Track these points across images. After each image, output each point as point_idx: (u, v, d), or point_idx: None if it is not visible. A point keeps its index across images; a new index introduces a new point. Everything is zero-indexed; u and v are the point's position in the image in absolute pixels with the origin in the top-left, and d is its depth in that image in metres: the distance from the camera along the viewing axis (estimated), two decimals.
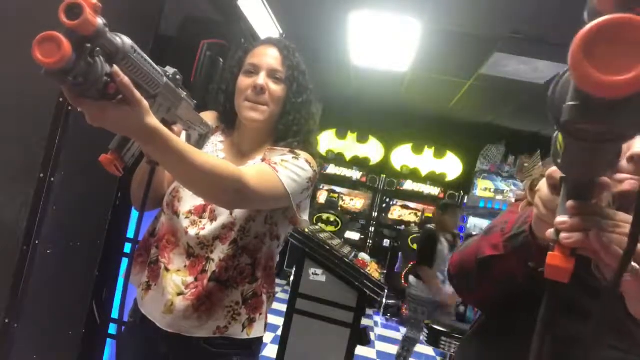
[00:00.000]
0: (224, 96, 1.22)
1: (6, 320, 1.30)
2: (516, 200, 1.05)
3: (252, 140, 1.22)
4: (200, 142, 1.13)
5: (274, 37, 1.30)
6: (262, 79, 1.14)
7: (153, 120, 0.75)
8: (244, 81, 1.16)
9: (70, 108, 1.34)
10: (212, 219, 1.13)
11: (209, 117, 1.25)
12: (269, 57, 1.17)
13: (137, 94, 0.71)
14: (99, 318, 1.73)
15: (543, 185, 0.63)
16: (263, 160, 1.15)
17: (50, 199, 1.33)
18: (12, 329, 1.30)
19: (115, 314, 1.88)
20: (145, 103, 0.73)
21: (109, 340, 1.87)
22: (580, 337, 0.78)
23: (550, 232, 0.54)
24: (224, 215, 1.13)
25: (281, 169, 1.08)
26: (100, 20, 0.63)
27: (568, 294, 0.71)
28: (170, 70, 0.85)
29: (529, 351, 0.78)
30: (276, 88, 1.15)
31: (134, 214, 1.80)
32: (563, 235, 0.52)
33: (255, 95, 1.14)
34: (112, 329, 1.89)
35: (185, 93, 0.91)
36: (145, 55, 0.73)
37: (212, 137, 1.23)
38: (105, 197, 1.60)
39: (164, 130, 0.78)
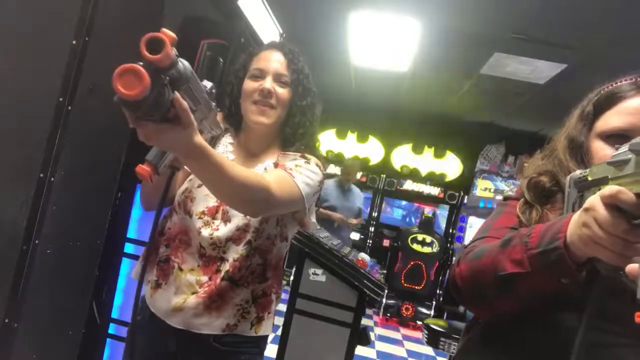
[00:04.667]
0: (229, 99, 1.25)
1: (6, 320, 1.30)
2: (505, 199, 0.98)
3: (259, 143, 1.25)
4: (212, 143, 1.15)
5: (277, 41, 1.34)
6: (268, 82, 1.17)
7: (200, 139, 0.80)
8: (250, 85, 1.19)
9: (70, 108, 1.34)
10: (226, 220, 1.15)
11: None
12: (274, 61, 1.20)
13: (192, 116, 0.75)
14: (99, 318, 1.73)
15: (598, 205, 0.58)
16: (276, 165, 1.17)
17: (50, 199, 1.33)
18: (12, 329, 1.30)
19: (115, 314, 1.88)
20: (195, 123, 0.77)
21: (109, 340, 1.87)
22: (614, 343, 0.75)
23: None
24: (237, 217, 1.15)
25: (296, 174, 1.11)
26: (174, 52, 0.66)
27: (605, 301, 0.69)
28: (207, 84, 0.88)
29: (554, 355, 0.77)
30: (282, 91, 1.19)
31: (134, 214, 1.80)
32: None
33: (263, 98, 1.17)
34: (112, 329, 1.89)
35: (214, 103, 0.94)
36: (196, 76, 0.77)
37: (223, 139, 1.27)
38: (105, 197, 1.60)
39: (208, 148, 0.83)
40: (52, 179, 1.33)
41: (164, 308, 1.15)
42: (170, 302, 1.14)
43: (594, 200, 0.59)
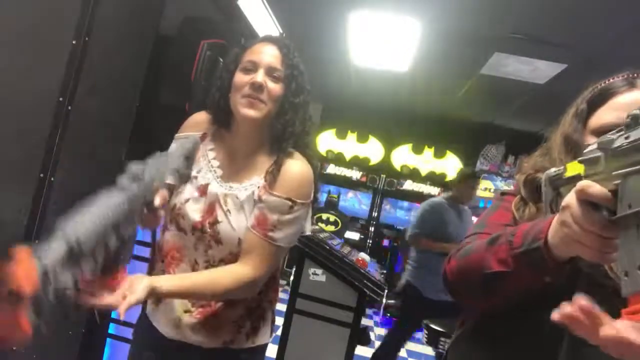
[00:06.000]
0: (219, 93, 1.17)
1: None
2: (503, 194, 0.98)
3: (247, 142, 1.17)
4: (188, 164, 1.14)
5: (272, 35, 1.28)
6: (260, 76, 1.10)
7: (162, 288, 0.97)
8: (241, 78, 1.11)
9: (70, 108, 1.34)
10: (217, 241, 1.13)
11: (198, 119, 1.23)
12: (268, 54, 1.13)
13: (135, 300, 0.95)
14: (99, 318, 1.72)
15: (573, 202, 0.58)
16: (260, 199, 1.11)
17: (50, 199, 1.33)
18: None
19: (115, 314, 1.88)
20: (144, 291, 0.97)
21: (109, 340, 1.87)
22: None
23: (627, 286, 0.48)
24: (230, 243, 1.12)
25: (279, 235, 1.10)
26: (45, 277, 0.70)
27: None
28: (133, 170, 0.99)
29: (541, 349, 0.78)
30: (274, 86, 1.11)
31: None
32: None
33: (253, 92, 1.10)
34: (112, 329, 1.88)
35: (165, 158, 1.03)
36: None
37: (201, 147, 1.19)
38: None
39: (173, 288, 1.01)
40: (52, 179, 1.33)
41: (164, 324, 1.16)
42: (169, 319, 1.15)
43: (570, 197, 0.59)
